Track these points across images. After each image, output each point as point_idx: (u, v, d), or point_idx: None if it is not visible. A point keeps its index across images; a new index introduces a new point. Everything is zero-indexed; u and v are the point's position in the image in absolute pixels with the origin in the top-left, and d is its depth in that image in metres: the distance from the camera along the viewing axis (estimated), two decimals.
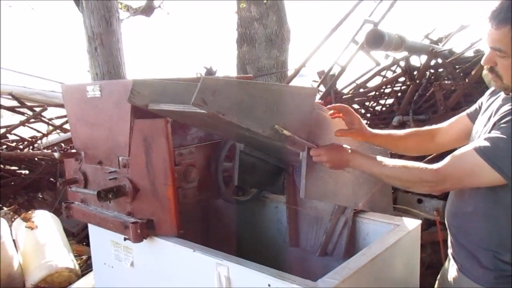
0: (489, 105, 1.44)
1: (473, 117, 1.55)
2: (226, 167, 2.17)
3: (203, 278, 1.65)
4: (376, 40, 3.32)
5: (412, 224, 1.87)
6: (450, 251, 1.57)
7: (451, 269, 1.55)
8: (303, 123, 1.58)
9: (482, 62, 1.33)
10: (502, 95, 1.38)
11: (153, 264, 1.91)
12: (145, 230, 1.84)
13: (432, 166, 1.34)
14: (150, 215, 1.86)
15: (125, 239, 1.89)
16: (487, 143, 1.24)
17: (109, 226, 1.99)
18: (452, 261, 1.54)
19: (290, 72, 6.29)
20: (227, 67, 7.64)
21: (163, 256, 1.85)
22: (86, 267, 3.33)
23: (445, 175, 1.32)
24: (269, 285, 1.43)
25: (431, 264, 2.75)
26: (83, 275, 3.08)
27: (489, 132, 1.30)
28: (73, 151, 2.16)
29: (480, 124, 1.44)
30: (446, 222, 1.54)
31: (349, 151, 1.53)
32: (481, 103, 1.53)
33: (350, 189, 1.88)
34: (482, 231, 1.38)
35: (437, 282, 1.70)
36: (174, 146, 1.84)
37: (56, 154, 2.13)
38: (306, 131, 1.60)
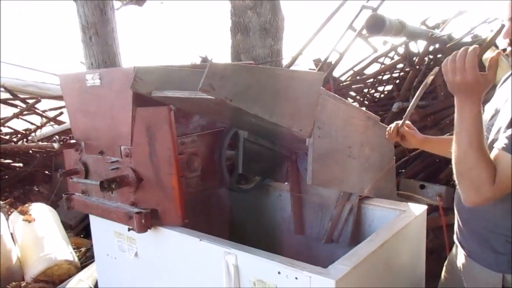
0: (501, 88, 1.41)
1: None
2: (229, 155, 2.14)
3: (210, 267, 1.63)
4: (376, 25, 3.28)
5: (418, 209, 1.86)
6: (456, 237, 1.55)
7: (460, 256, 1.53)
8: (310, 108, 1.56)
9: (502, 35, 1.30)
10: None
11: (158, 254, 1.88)
12: (149, 220, 1.81)
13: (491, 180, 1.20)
14: (154, 204, 1.83)
15: (129, 229, 1.86)
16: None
17: (112, 217, 1.95)
18: (459, 247, 1.53)
19: (285, 61, 6.25)
20: (221, 56, 7.57)
21: (168, 246, 1.83)
22: (85, 259, 3.30)
23: (504, 188, 1.21)
24: (279, 272, 1.42)
25: (433, 250, 2.75)
26: (82, 267, 3.05)
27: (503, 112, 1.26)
28: (73, 141, 2.12)
29: (491, 108, 1.41)
30: (455, 208, 1.52)
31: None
32: None
33: (356, 175, 1.86)
34: (496, 216, 1.36)
35: (444, 268, 1.69)
36: (176, 134, 1.81)
37: (56, 145, 2.09)
38: (313, 116, 1.58)
